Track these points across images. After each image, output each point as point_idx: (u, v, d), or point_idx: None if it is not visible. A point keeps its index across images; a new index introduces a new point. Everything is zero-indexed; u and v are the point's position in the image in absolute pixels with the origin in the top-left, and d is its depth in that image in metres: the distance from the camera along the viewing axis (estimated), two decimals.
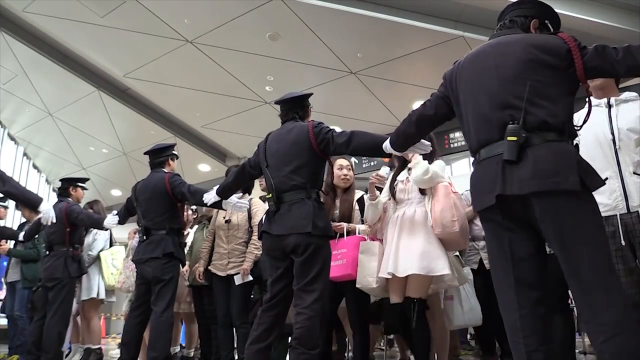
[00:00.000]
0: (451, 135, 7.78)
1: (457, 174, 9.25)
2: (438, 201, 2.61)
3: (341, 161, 3.22)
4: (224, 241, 3.65)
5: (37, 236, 4.59)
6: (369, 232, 3.05)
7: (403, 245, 2.63)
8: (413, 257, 2.55)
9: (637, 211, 2.12)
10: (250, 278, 3.49)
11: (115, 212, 3.88)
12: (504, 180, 1.59)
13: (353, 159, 8.89)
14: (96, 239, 4.64)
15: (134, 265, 3.57)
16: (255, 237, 3.53)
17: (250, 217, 3.63)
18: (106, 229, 4.19)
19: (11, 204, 5.30)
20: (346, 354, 3.88)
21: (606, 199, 2.16)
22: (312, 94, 2.80)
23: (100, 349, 4.56)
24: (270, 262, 2.59)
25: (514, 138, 1.57)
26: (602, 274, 1.48)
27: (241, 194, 3.69)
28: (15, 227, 4.95)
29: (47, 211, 3.08)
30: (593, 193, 1.60)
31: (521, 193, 1.56)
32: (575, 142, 1.69)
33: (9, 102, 9.42)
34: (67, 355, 4.62)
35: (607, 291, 1.47)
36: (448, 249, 2.75)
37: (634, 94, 2.32)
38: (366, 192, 3.74)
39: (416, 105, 2.00)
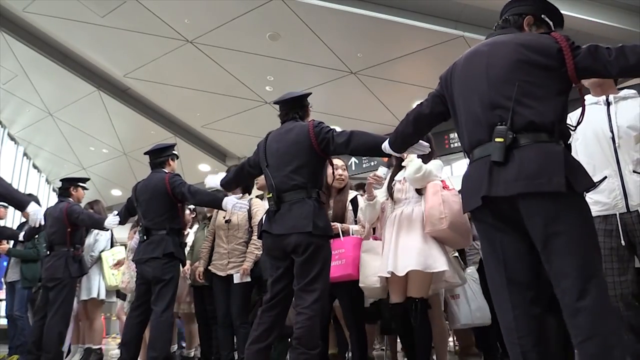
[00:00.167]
0: (451, 135, 7.78)
1: (457, 174, 9.25)
2: (427, 200, 2.62)
3: (336, 161, 3.21)
4: (224, 241, 3.65)
5: (37, 236, 4.60)
6: (362, 233, 3.06)
7: (401, 243, 2.63)
8: (411, 255, 2.55)
9: (637, 210, 2.09)
10: (249, 279, 3.49)
11: (115, 212, 3.88)
12: (490, 181, 1.58)
13: (353, 159, 8.92)
14: (97, 240, 4.64)
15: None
16: (255, 237, 3.53)
17: (250, 217, 3.63)
18: (107, 230, 4.19)
19: None
20: (347, 354, 3.88)
21: (605, 198, 2.15)
22: (311, 93, 2.80)
23: (100, 349, 4.56)
24: (270, 262, 2.59)
25: (501, 139, 1.56)
26: (581, 278, 1.47)
27: (241, 194, 3.69)
28: (15, 227, 4.95)
29: (35, 212, 3.00)
30: (593, 192, 1.59)
31: (506, 194, 1.55)
32: (569, 141, 1.67)
33: (9, 102, 9.43)
34: (67, 355, 4.62)
35: (583, 295, 1.46)
36: (451, 247, 2.75)
37: (633, 91, 2.30)
38: (364, 192, 3.76)
39: (416, 105, 2.00)
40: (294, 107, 2.70)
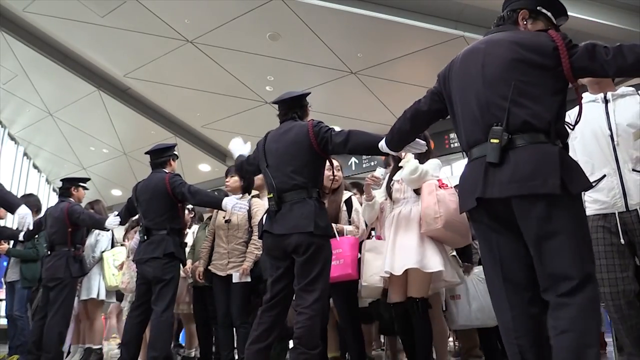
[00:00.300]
0: (451, 135, 7.78)
1: (458, 174, 9.23)
2: (423, 200, 2.62)
3: None
4: (224, 241, 3.65)
5: (37, 236, 4.60)
6: (355, 234, 3.06)
7: (398, 243, 2.64)
8: (408, 254, 2.56)
9: (637, 209, 2.08)
10: (249, 278, 3.49)
11: (116, 212, 3.88)
12: (485, 182, 1.58)
13: (353, 159, 8.92)
14: (99, 240, 4.64)
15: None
16: (255, 236, 3.53)
17: (250, 217, 3.63)
18: (108, 230, 4.19)
19: None
20: (347, 355, 3.87)
21: (604, 197, 2.14)
22: (309, 93, 2.80)
23: (100, 349, 4.57)
24: (270, 262, 2.59)
25: (496, 140, 1.55)
26: (573, 278, 1.47)
27: (241, 194, 3.69)
28: (15, 227, 4.94)
29: (25, 215, 2.99)
30: (592, 190, 1.58)
31: (501, 196, 1.55)
32: (567, 141, 1.66)
33: (9, 102, 9.44)
34: (67, 355, 4.62)
35: (573, 293, 1.46)
36: (450, 246, 2.75)
37: (631, 88, 2.28)
38: (357, 192, 3.76)
39: (414, 102, 1.98)
40: (292, 106, 2.70)
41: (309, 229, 2.37)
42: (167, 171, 3.54)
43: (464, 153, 1.78)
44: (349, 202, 3.23)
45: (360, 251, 2.97)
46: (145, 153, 3.71)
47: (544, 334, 1.57)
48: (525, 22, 1.76)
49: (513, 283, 1.62)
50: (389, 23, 6.13)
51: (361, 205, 3.41)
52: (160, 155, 3.60)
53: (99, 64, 8.17)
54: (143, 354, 3.66)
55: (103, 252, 4.60)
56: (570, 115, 1.85)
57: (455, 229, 2.57)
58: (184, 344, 4.82)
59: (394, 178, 2.87)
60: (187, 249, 4.05)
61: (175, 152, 3.73)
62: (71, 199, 4.18)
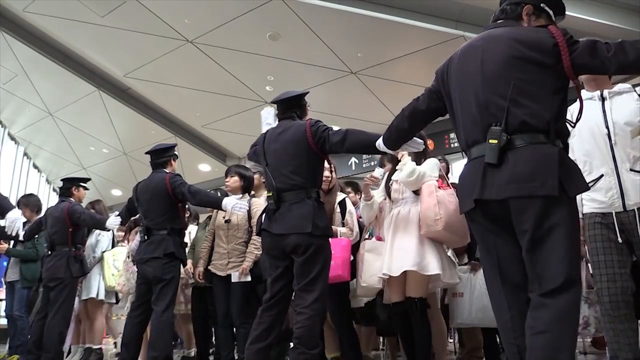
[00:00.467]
0: (451, 135, 7.78)
1: (458, 174, 9.23)
2: (422, 201, 2.61)
3: None
4: (224, 241, 3.65)
5: (37, 236, 4.60)
6: (349, 236, 3.06)
7: (397, 244, 2.63)
8: (406, 255, 2.55)
9: (634, 209, 2.07)
10: (249, 278, 3.49)
11: (116, 212, 3.88)
12: (483, 184, 1.57)
13: (353, 159, 8.92)
14: (99, 240, 4.65)
15: (134, 268, 3.57)
16: (255, 236, 3.53)
17: (250, 217, 3.63)
18: (108, 230, 4.18)
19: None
20: None
21: (602, 196, 2.12)
22: (308, 92, 2.79)
23: (100, 349, 4.57)
24: (269, 261, 2.59)
25: (495, 141, 1.53)
26: (559, 279, 1.46)
27: (241, 194, 3.70)
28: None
29: (15, 220, 2.97)
30: (590, 190, 1.57)
31: (498, 198, 1.54)
32: (568, 141, 1.64)
33: (9, 102, 9.44)
34: (67, 355, 4.62)
35: (556, 294, 1.46)
36: (449, 246, 2.74)
37: (628, 85, 2.25)
38: (352, 190, 3.76)
39: (412, 100, 1.97)
40: (291, 106, 2.69)
41: (306, 229, 2.36)
42: (167, 171, 3.54)
43: (463, 153, 1.77)
44: (343, 204, 3.23)
45: (354, 253, 2.98)
46: (146, 153, 3.71)
47: None
48: (528, 18, 1.72)
49: (511, 284, 1.62)
50: (389, 23, 6.13)
51: (355, 206, 3.41)
52: (161, 156, 3.61)
53: (99, 64, 8.17)
54: (143, 354, 3.67)
55: (103, 252, 4.61)
56: (571, 111, 1.81)
57: (455, 229, 2.56)
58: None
59: (393, 178, 2.87)
60: (186, 249, 4.05)
61: (176, 152, 3.74)
62: (72, 199, 4.18)
